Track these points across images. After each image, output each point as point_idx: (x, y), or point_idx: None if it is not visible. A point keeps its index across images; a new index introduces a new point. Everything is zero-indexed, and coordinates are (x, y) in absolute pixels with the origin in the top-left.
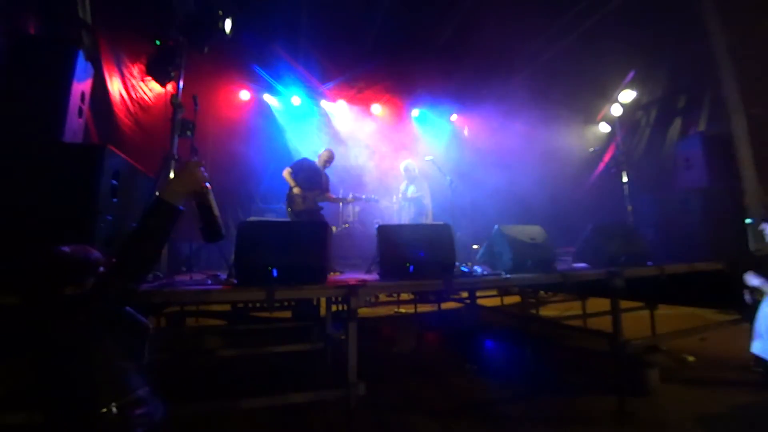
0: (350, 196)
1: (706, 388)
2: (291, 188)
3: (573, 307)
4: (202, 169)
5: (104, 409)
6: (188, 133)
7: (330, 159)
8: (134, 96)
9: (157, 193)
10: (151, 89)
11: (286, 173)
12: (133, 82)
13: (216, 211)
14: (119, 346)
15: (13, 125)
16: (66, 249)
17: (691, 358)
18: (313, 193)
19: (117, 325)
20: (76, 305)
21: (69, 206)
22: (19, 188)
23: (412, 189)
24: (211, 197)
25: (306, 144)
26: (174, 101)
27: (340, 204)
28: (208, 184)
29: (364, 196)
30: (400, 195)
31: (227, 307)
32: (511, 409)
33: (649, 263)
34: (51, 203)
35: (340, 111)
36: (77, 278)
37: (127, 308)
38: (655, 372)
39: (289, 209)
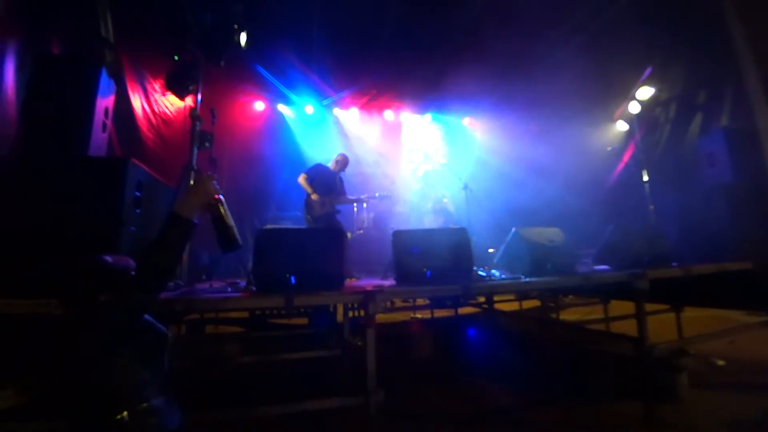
0: (364, 195)
1: (738, 392)
2: (309, 194)
3: (594, 311)
4: (215, 182)
5: (118, 416)
6: (207, 144)
7: (344, 162)
8: (156, 110)
9: (172, 209)
10: (172, 103)
11: (302, 180)
12: (155, 97)
13: (230, 221)
14: (137, 355)
15: (40, 141)
16: (108, 258)
17: (720, 362)
18: (330, 197)
19: (135, 334)
20: (100, 313)
21: (95, 218)
22: (47, 201)
23: (437, 196)
24: (224, 209)
25: (319, 151)
26: (193, 114)
27: (354, 206)
28: (221, 197)
29: (377, 194)
30: (430, 204)
31: (245, 314)
32: (531, 415)
33: (674, 264)
34: (77, 215)
35: (352, 118)
36: (115, 286)
37: (146, 316)
38: (683, 376)
39: (308, 216)
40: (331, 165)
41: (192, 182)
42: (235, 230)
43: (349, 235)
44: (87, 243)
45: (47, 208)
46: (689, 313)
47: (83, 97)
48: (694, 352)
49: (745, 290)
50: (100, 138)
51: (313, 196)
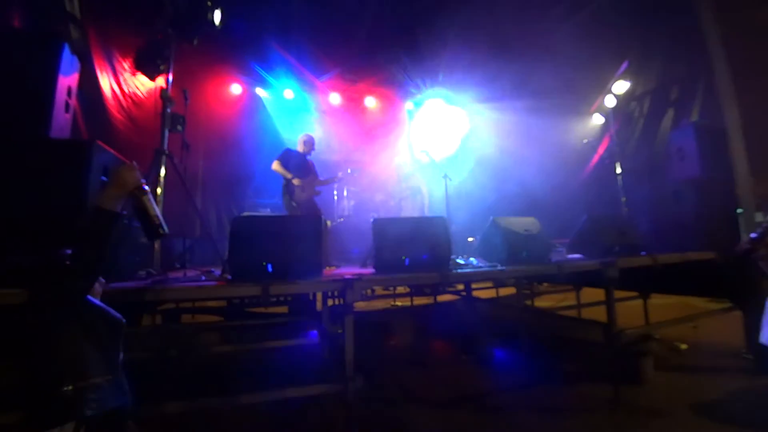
0: (340, 173)
1: (699, 375)
2: (289, 180)
3: (567, 298)
4: (138, 172)
5: (63, 388)
6: (179, 127)
7: (311, 143)
8: (126, 91)
9: (94, 202)
10: (143, 84)
11: (277, 166)
12: (125, 76)
13: (153, 211)
14: (86, 336)
15: None
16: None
17: (683, 346)
18: (309, 180)
19: (84, 317)
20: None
21: (57, 203)
22: (5, 185)
23: (407, 184)
24: (147, 198)
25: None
26: (164, 95)
27: (335, 194)
28: (145, 187)
29: (349, 170)
30: (395, 190)
31: (223, 303)
32: (509, 398)
33: (643, 253)
34: (38, 200)
35: (333, 104)
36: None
37: (98, 303)
38: (649, 360)
39: (292, 202)
40: (298, 148)
41: (111, 174)
42: (160, 219)
43: (329, 223)
44: (48, 230)
45: (5, 193)
46: (656, 300)
47: (43, 75)
48: (659, 337)
49: (708, 279)
50: (62, 119)
51: (295, 181)
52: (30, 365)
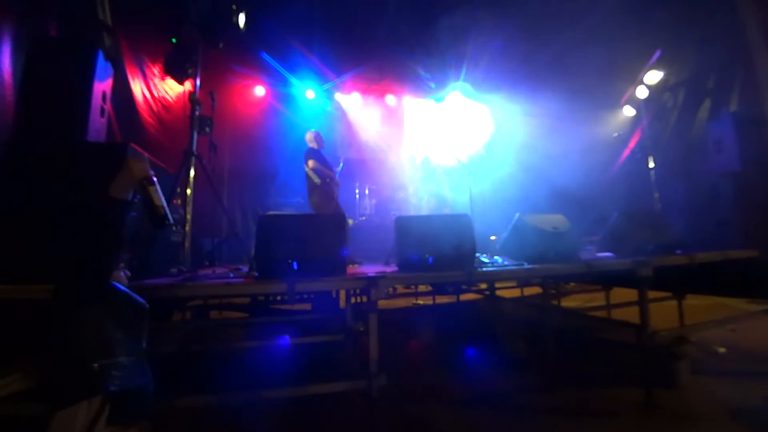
0: (340, 163)
1: (739, 380)
2: (331, 178)
3: (595, 299)
4: (146, 164)
5: (89, 365)
6: (207, 129)
7: (321, 138)
8: (156, 95)
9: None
10: (172, 88)
11: (316, 166)
12: (155, 81)
13: (159, 201)
14: (111, 318)
15: (37, 126)
16: None
17: (722, 350)
18: (335, 175)
19: (109, 301)
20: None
21: (93, 204)
22: (46, 187)
23: (430, 183)
24: (153, 189)
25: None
26: (192, 98)
27: (357, 193)
28: (154, 179)
29: (341, 165)
30: (414, 188)
31: (247, 300)
32: (531, 399)
33: (678, 252)
34: (75, 200)
35: (354, 103)
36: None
37: (124, 289)
38: (684, 364)
39: (331, 202)
40: (314, 145)
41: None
42: (165, 210)
43: (350, 221)
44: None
45: (46, 194)
46: (691, 300)
47: (80, 81)
48: (695, 339)
49: (749, 278)
50: (98, 122)
51: (337, 180)
52: (60, 345)
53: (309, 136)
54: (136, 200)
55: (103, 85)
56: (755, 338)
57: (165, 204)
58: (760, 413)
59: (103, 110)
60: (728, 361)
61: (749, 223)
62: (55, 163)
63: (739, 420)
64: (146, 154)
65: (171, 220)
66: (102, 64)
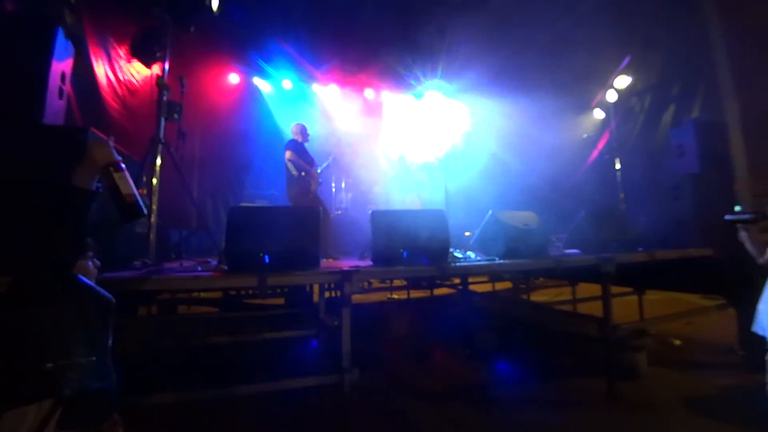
0: (329, 157)
1: (693, 370)
2: (308, 171)
3: (563, 293)
4: (111, 149)
5: (42, 365)
6: (175, 116)
7: (305, 132)
8: (122, 78)
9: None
10: (139, 71)
11: (293, 157)
12: (121, 63)
13: (126, 189)
14: (71, 314)
15: None
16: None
17: (677, 342)
18: (315, 170)
19: (71, 295)
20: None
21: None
22: None
23: (406, 181)
24: (121, 176)
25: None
26: (160, 82)
27: (333, 187)
28: (122, 165)
29: (330, 158)
30: (388, 184)
31: (219, 295)
32: (505, 391)
33: (640, 249)
34: (30, 187)
35: (332, 95)
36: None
37: (89, 283)
38: (643, 355)
39: (308, 194)
40: (297, 138)
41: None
42: (135, 198)
43: (338, 212)
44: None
45: None
46: (650, 295)
47: (37, 59)
48: (654, 332)
49: (704, 275)
50: (56, 104)
51: (314, 173)
52: (12, 340)
53: (294, 129)
54: (99, 189)
55: (62, 65)
56: (709, 332)
57: (135, 192)
58: (713, 403)
59: (61, 91)
60: (684, 352)
61: (705, 223)
62: (7, 146)
63: (694, 409)
64: (107, 138)
65: (144, 210)
66: (62, 43)
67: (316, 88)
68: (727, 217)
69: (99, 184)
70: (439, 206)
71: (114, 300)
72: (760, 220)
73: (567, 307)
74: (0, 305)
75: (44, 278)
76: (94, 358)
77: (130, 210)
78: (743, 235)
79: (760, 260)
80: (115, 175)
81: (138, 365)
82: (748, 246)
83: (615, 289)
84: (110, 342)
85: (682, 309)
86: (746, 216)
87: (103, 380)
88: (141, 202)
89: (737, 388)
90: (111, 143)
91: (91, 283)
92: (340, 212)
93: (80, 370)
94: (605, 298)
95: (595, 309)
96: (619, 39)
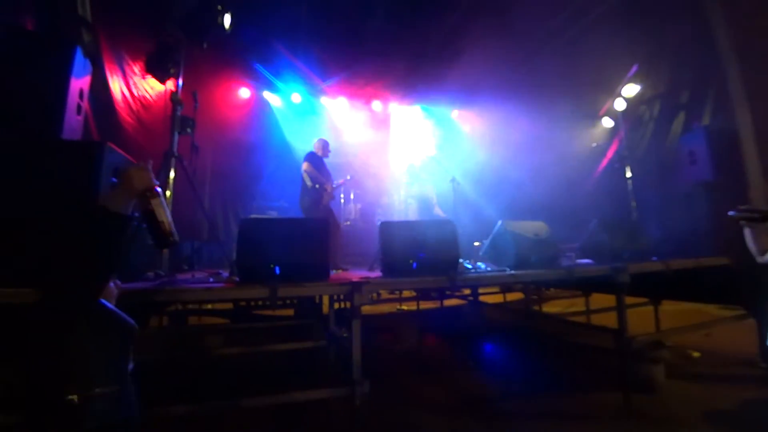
0: (347, 176)
1: (712, 383)
2: (322, 184)
3: (576, 304)
4: (149, 173)
5: (66, 397)
6: (188, 130)
7: (327, 147)
8: (136, 94)
9: (100, 204)
10: (153, 87)
11: (309, 169)
12: (135, 80)
13: (163, 216)
14: (95, 342)
15: (9, 121)
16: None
17: (696, 354)
18: (330, 184)
19: (94, 322)
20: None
21: (68, 204)
22: (17, 186)
23: (416, 188)
24: (158, 202)
25: (306, 141)
26: (173, 98)
27: (342, 198)
28: (158, 189)
29: (348, 176)
30: (402, 194)
31: (229, 306)
32: (515, 405)
33: (654, 258)
34: (50, 201)
35: (340, 108)
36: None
37: (110, 307)
38: (660, 368)
39: (318, 206)
40: (318, 152)
41: (120, 174)
42: (170, 225)
43: (347, 223)
44: (58, 232)
45: (17, 194)
46: (667, 306)
47: (56, 77)
48: (671, 344)
49: (721, 285)
50: (74, 120)
51: (328, 186)
52: (34, 368)
53: (316, 144)
54: (135, 215)
55: (80, 82)
56: (728, 343)
57: (170, 218)
58: (734, 417)
59: (79, 108)
60: (702, 365)
61: (721, 231)
62: (29, 161)
63: (714, 423)
64: (123, 153)
65: (176, 238)
66: (80, 61)
67: (324, 101)
68: (731, 213)
69: (136, 213)
70: (449, 216)
71: (136, 326)
72: (766, 220)
73: (580, 318)
74: (22, 329)
75: (70, 303)
76: (118, 387)
77: (165, 237)
78: (746, 232)
79: (759, 259)
80: (153, 201)
81: (148, 376)
82: (750, 244)
83: (630, 300)
84: (131, 367)
85: (699, 320)
86: (751, 214)
87: (128, 408)
88: (174, 229)
89: (759, 401)
90: (149, 167)
91: (114, 307)
92: (348, 223)
93: (105, 402)
94: (620, 308)
95: (610, 320)
96: (626, 47)
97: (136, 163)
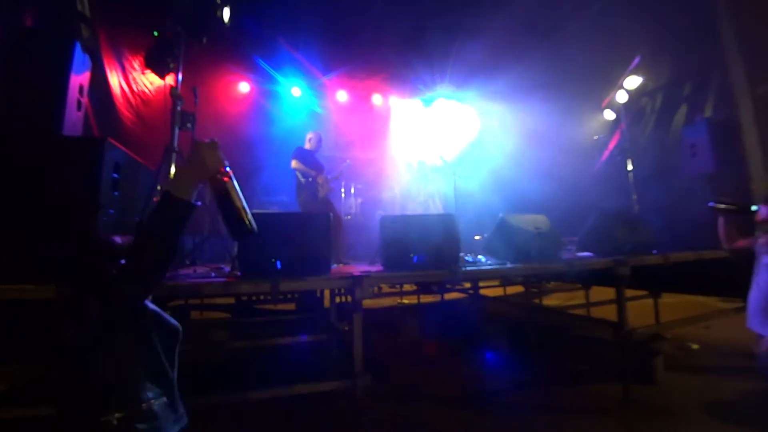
0: (345, 162)
1: (711, 375)
2: (314, 177)
3: (576, 297)
4: (219, 152)
5: (105, 418)
6: (188, 125)
7: (318, 140)
8: (135, 89)
9: (165, 188)
10: (152, 82)
11: (297, 165)
12: (134, 75)
13: (239, 201)
14: (139, 350)
15: (10, 118)
16: (118, 239)
17: (695, 346)
18: (324, 177)
19: (139, 325)
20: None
21: (70, 200)
22: (19, 182)
23: (430, 186)
24: (232, 185)
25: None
26: (173, 93)
27: (342, 192)
28: (228, 168)
29: (348, 161)
30: (405, 189)
31: (231, 300)
32: (516, 397)
33: (654, 251)
34: (52, 197)
35: (341, 101)
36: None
37: (156, 309)
38: (660, 360)
39: (313, 199)
40: (307, 145)
41: (190, 153)
42: (248, 211)
43: (348, 217)
44: (62, 227)
45: (18, 190)
46: (667, 298)
47: (56, 73)
48: (670, 336)
49: (721, 277)
50: (74, 116)
51: (320, 179)
52: (69, 382)
53: (307, 136)
54: (198, 203)
55: (80, 78)
56: (727, 335)
57: (246, 205)
58: (733, 408)
59: (80, 103)
60: (701, 357)
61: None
62: (30, 157)
63: (713, 415)
64: (124, 148)
65: (255, 227)
66: (79, 56)
67: (324, 94)
68: (710, 203)
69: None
70: (450, 209)
71: (180, 327)
72: (741, 212)
73: (581, 311)
74: (56, 329)
75: (110, 308)
76: (165, 399)
77: (242, 225)
78: (720, 221)
79: (725, 246)
80: (228, 184)
81: None
82: (720, 231)
83: (629, 293)
84: (175, 375)
85: (699, 312)
86: (728, 206)
87: (177, 422)
88: (251, 216)
89: (760, 393)
90: (218, 144)
91: (156, 307)
92: (349, 217)
93: (154, 418)
94: (620, 301)
95: (610, 313)
96: (627, 40)
97: (205, 141)
